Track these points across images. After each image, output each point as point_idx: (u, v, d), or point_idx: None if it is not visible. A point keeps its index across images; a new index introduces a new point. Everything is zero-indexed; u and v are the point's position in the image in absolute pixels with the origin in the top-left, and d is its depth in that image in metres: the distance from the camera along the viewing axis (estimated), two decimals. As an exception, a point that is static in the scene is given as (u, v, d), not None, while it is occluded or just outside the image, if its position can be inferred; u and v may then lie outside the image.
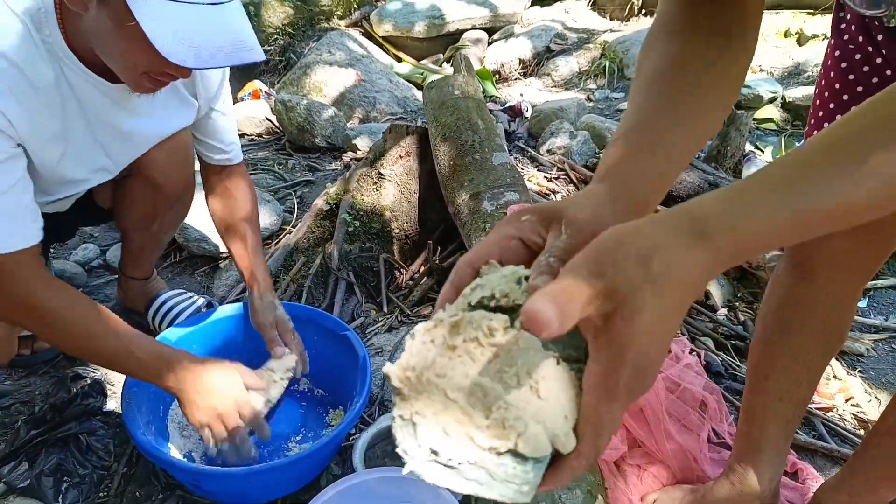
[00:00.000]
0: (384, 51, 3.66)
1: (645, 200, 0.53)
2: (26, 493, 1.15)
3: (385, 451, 1.25)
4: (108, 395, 1.36)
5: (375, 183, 1.92)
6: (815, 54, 3.40)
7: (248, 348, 1.38)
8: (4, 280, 1.01)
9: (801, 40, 3.67)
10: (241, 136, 2.83)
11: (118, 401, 1.36)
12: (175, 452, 1.23)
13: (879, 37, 0.79)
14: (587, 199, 0.50)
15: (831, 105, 0.87)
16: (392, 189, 1.91)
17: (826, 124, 0.86)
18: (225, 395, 1.10)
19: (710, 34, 0.59)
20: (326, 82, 3.14)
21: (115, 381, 1.42)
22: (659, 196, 0.54)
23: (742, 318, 1.67)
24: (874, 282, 1.86)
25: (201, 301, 1.57)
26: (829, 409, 1.43)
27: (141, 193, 1.36)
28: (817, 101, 0.90)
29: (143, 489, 1.21)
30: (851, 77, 0.84)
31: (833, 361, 1.53)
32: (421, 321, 1.61)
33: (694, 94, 0.57)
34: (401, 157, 1.91)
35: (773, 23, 3.74)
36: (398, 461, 0.42)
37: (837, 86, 0.86)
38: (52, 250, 1.73)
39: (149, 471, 1.24)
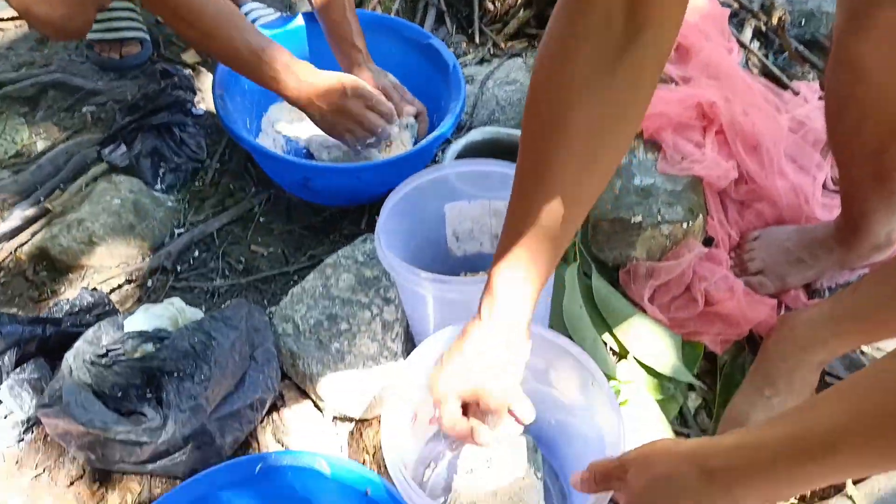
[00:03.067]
0: None
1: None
2: (127, 172, 1.19)
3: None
4: (198, 96, 1.35)
5: None
6: None
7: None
8: None
9: None
10: None
11: (206, 105, 1.35)
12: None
13: None
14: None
15: None
16: None
17: None
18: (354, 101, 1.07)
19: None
20: None
21: (203, 87, 1.40)
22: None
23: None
24: None
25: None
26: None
27: None
28: None
29: (236, 182, 1.24)
30: None
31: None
32: (515, 55, 1.51)
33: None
34: None
35: None
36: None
37: None
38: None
39: (241, 167, 1.26)
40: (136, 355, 0.78)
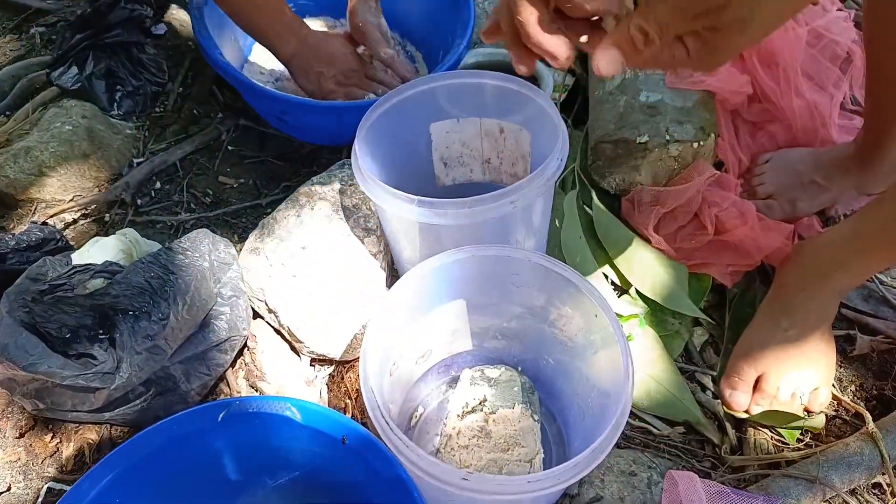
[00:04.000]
0: None
1: None
2: (79, 96, 1.07)
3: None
4: (158, 16, 1.23)
5: None
6: None
7: None
8: None
9: None
10: None
11: (169, 26, 1.23)
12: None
13: None
14: None
15: None
16: None
17: None
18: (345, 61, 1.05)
19: None
20: None
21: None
22: None
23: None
24: None
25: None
26: None
27: None
28: None
29: (201, 107, 1.13)
30: None
31: None
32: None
33: None
34: None
35: None
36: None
37: None
38: None
39: (206, 91, 1.14)
40: (84, 291, 0.70)
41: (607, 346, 0.65)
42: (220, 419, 0.62)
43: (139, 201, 1.00)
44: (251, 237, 0.83)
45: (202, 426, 0.62)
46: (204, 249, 0.75)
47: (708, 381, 0.85)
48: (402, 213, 0.70)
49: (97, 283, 0.71)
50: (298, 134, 1.09)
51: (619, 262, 0.90)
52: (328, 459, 0.64)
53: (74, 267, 0.71)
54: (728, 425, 0.80)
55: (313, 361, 0.84)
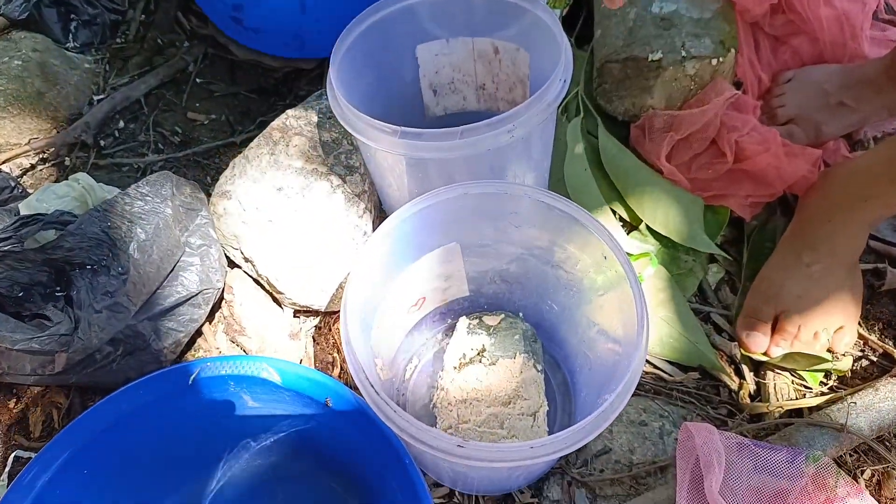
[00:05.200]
0: None
1: None
2: (29, 27, 0.97)
3: None
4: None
5: None
6: None
7: None
8: None
9: None
10: None
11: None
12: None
13: None
14: None
15: None
16: None
17: None
18: None
19: None
20: None
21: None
22: None
23: None
24: None
25: None
26: None
27: None
28: None
29: (165, 36, 1.02)
30: None
31: None
32: None
33: None
34: None
35: None
36: None
37: None
38: None
39: (170, 18, 1.04)
40: (35, 245, 0.62)
41: (616, 289, 0.59)
42: (189, 383, 0.56)
43: (102, 142, 0.91)
44: (221, 179, 0.75)
45: (170, 390, 0.56)
46: (166, 194, 0.67)
47: (724, 322, 0.79)
48: (384, 146, 0.62)
49: (48, 234, 0.63)
50: (263, 42, 0.96)
51: (628, 195, 0.82)
52: (313, 420, 0.59)
53: (21, 218, 0.63)
54: (746, 369, 0.75)
55: (297, 313, 0.77)
